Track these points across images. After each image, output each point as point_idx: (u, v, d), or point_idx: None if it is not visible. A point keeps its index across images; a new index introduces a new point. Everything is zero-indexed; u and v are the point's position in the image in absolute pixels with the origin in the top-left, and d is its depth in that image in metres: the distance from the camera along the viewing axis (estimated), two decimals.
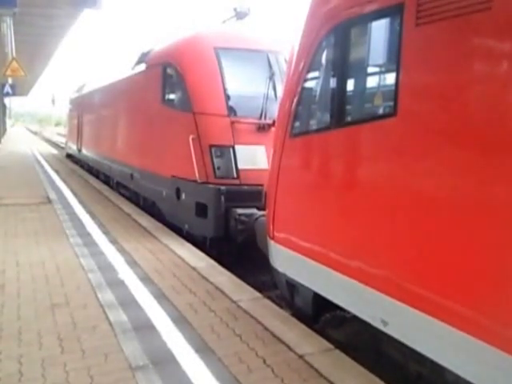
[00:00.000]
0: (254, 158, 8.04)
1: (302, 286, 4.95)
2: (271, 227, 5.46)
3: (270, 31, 9.91)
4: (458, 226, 3.15)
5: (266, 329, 4.62)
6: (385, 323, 3.76)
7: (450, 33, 3.26)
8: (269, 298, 5.72)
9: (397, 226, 3.66)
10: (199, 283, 5.94)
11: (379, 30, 4.18)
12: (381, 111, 4.24)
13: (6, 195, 12.19)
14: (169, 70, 9.50)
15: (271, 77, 8.31)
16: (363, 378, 3.76)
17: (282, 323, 4.77)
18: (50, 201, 11.66)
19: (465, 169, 3.12)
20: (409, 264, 3.53)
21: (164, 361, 3.92)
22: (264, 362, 3.97)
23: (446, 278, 3.22)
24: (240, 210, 7.57)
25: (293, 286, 5.20)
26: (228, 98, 8.24)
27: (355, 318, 4.21)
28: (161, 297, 5.40)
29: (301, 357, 4.06)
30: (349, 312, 4.34)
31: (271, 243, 5.50)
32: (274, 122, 7.35)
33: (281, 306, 5.56)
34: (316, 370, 3.84)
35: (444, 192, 3.26)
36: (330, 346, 4.29)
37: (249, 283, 6.14)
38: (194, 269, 6.51)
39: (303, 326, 4.72)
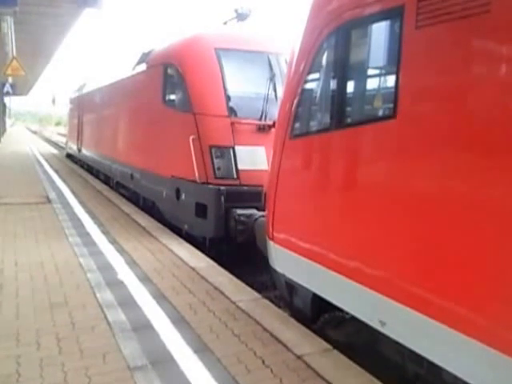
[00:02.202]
0: (253, 158, 8.04)
1: (301, 286, 4.95)
2: (270, 228, 5.47)
3: (271, 32, 9.91)
4: (456, 228, 3.16)
5: (265, 329, 4.62)
6: (382, 323, 3.76)
7: (450, 35, 3.27)
8: (268, 298, 5.72)
9: (395, 228, 3.67)
10: (198, 283, 5.93)
11: (380, 32, 4.18)
12: (381, 113, 4.24)
13: (5, 194, 12.19)
14: (169, 71, 9.51)
15: (272, 78, 8.31)
16: (361, 378, 3.77)
17: (280, 324, 4.77)
18: (49, 200, 11.66)
19: (464, 171, 3.12)
20: (408, 265, 3.53)
21: (163, 361, 3.92)
22: (263, 362, 3.97)
23: (444, 279, 3.22)
24: (240, 211, 7.58)
25: (292, 287, 5.20)
26: (228, 98, 8.25)
27: (353, 318, 4.21)
28: (160, 297, 5.39)
29: (299, 357, 4.06)
30: (347, 313, 4.34)
31: (270, 244, 5.50)
32: (274, 123, 7.36)
33: (280, 307, 5.57)
34: (314, 371, 3.84)
35: (443, 194, 3.26)
36: (329, 346, 4.30)
37: (248, 284, 6.14)
38: (193, 269, 6.51)
39: (302, 327, 4.72)
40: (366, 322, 3.98)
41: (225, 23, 10.36)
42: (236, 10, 9.91)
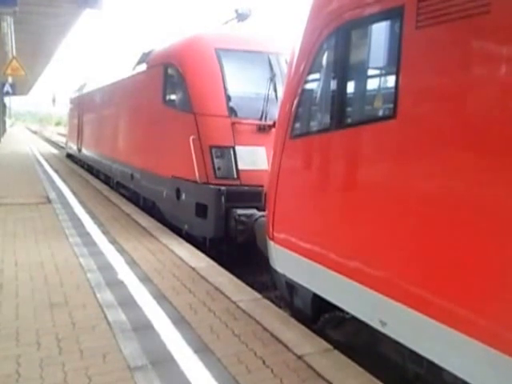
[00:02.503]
0: (254, 158, 8.04)
1: (302, 286, 4.95)
2: (271, 228, 5.47)
3: (271, 32, 9.90)
4: (456, 228, 3.16)
5: (266, 329, 4.62)
6: (383, 324, 3.76)
7: (449, 36, 3.27)
8: (268, 298, 5.72)
9: (395, 228, 3.66)
10: (199, 283, 5.93)
11: (380, 32, 4.18)
12: (381, 113, 4.23)
13: (5, 195, 12.18)
14: (170, 71, 9.51)
15: (272, 78, 8.31)
16: (362, 378, 3.76)
17: (281, 324, 4.77)
18: (49, 200, 11.65)
19: (464, 171, 3.12)
20: (408, 265, 3.53)
21: (163, 361, 3.91)
22: (263, 362, 3.97)
23: (444, 279, 3.22)
24: (240, 211, 7.58)
25: (292, 287, 5.20)
26: (229, 98, 8.25)
27: (354, 318, 4.21)
28: (160, 297, 5.39)
29: (300, 357, 4.06)
30: (347, 313, 4.34)
31: (271, 244, 5.50)
32: (274, 123, 7.34)
33: (280, 307, 5.56)
34: (315, 371, 3.84)
35: (443, 194, 3.26)
36: (329, 346, 4.29)
37: (248, 284, 6.14)
38: (193, 269, 6.50)
39: (302, 327, 4.72)
40: (367, 322, 3.98)
41: (225, 23, 10.35)
42: (236, 11, 9.90)
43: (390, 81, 3.91)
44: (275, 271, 5.51)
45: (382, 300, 3.71)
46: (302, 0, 5.17)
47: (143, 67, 11.27)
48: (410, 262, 3.51)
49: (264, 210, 6.44)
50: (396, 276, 3.62)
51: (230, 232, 7.76)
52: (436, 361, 3.33)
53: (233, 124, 8.07)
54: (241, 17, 9.91)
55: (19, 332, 4.34)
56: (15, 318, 4.64)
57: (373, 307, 3.87)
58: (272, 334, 4.51)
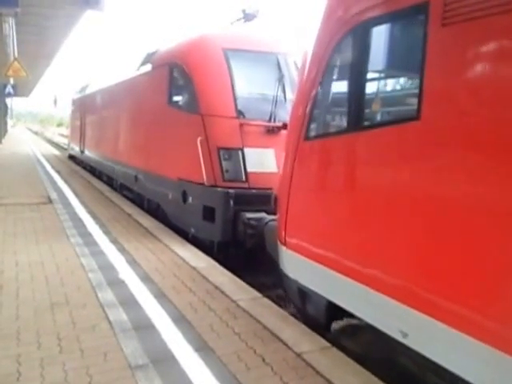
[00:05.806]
0: (263, 161, 7.86)
1: (315, 293, 4.73)
2: (283, 233, 5.24)
3: (279, 33, 9.83)
4: (486, 237, 2.96)
5: (265, 327, 4.61)
6: (404, 334, 3.55)
7: (478, 33, 3.09)
8: (268, 297, 5.71)
9: (418, 235, 3.46)
10: (199, 283, 5.92)
11: (401, 31, 4.08)
12: (404, 115, 4.06)
13: (6, 195, 12.17)
14: (176, 71, 9.39)
15: (280, 79, 8.18)
16: (360, 375, 3.76)
17: (280, 322, 4.77)
18: (50, 201, 11.64)
19: (488, 177, 2.95)
20: (435, 274, 3.31)
21: (164, 360, 3.90)
22: (263, 360, 3.97)
23: (473, 290, 3.03)
24: (249, 214, 7.37)
25: (304, 294, 5.00)
26: (237, 99, 8.10)
27: (369, 327, 4.00)
28: (161, 296, 5.37)
29: (299, 355, 4.06)
30: (363, 321, 4.13)
31: (282, 249, 5.28)
32: (283, 124, 7.24)
33: (280, 305, 5.56)
34: (314, 368, 3.84)
35: (469, 200, 3.07)
36: (328, 344, 4.29)
37: (249, 283, 6.13)
38: (194, 268, 6.49)
39: (301, 325, 4.73)
40: (386, 332, 3.75)
41: (232, 24, 10.27)
42: (243, 11, 9.82)
43: (414, 81, 3.77)
44: (286, 277, 5.27)
45: (404, 310, 3.50)
46: (311, 1, 5.06)
47: (148, 68, 11.17)
48: (437, 271, 3.28)
49: (273, 214, 6.30)
50: (420, 285, 3.40)
51: (238, 236, 7.57)
52: (466, 377, 3.09)
53: (241, 125, 7.91)
54: (248, 17, 9.82)
55: (20, 332, 4.32)
56: (15, 319, 4.62)
57: (393, 317, 3.64)
58: (272, 333, 4.50)
